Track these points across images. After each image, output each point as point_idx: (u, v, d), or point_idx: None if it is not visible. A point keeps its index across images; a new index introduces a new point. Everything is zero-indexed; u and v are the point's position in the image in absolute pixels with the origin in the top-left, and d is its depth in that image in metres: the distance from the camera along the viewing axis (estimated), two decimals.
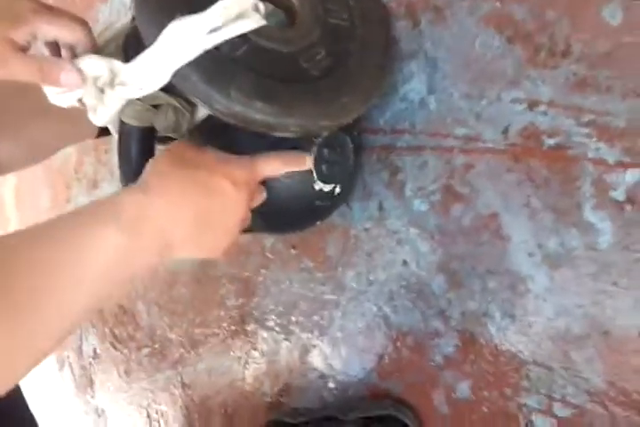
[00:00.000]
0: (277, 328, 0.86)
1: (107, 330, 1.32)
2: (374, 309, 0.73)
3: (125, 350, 1.27)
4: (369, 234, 0.73)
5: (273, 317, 0.87)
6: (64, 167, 1.39)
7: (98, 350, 1.36)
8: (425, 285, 0.67)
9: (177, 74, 0.52)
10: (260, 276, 0.89)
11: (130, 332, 1.24)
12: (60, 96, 0.54)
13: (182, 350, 1.07)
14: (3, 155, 0.75)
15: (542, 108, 0.56)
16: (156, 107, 0.56)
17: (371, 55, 0.62)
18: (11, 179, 1.67)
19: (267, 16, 0.59)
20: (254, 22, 0.53)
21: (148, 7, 0.56)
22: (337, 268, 0.77)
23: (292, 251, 0.83)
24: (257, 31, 0.54)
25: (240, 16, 0.53)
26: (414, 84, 0.66)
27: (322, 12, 0.61)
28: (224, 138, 0.60)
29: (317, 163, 0.63)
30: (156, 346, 1.15)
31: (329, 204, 0.68)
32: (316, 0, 0.61)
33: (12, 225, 1.72)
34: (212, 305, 0.99)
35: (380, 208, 0.71)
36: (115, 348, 1.30)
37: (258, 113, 0.55)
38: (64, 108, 0.55)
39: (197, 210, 0.48)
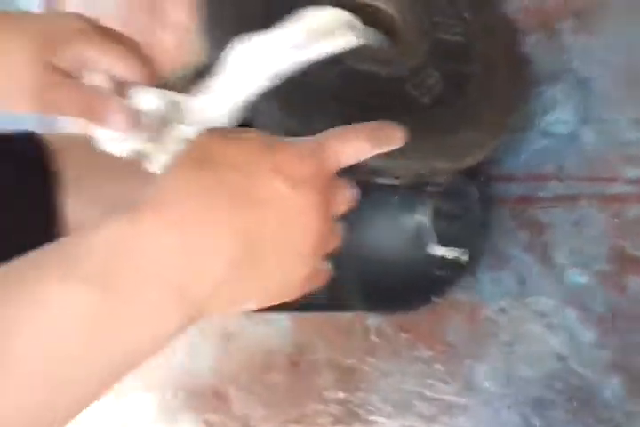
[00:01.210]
0: None
1: (199, 415, 1.20)
2: (517, 419, 0.54)
3: None
4: (507, 316, 0.54)
5: (382, 419, 0.69)
6: None
7: None
8: (592, 390, 0.48)
9: (251, 105, 0.39)
10: (364, 364, 0.72)
11: (223, 419, 1.11)
12: (111, 142, 0.43)
13: None
14: (77, 215, 0.67)
15: None
16: None
17: (496, 78, 0.48)
18: None
19: (364, 34, 0.46)
20: (347, 42, 0.40)
21: (218, 23, 0.46)
22: (463, 360, 0.59)
23: (403, 335, 0.66)
24: (351, 52, 0.40)
25: (329, 34, 0.40)
26: (560, 114, 0.49)
27: (429, 26, 0.48)
28: None
29: (433, 219, 0.48)
30: None
31: (449, 274, 0.52)
32: (422, 12, 0.48)
33: None
34: (310, 397, 0.83)
35: (521, 281, 0.53)
36: None
37: None
38: None
39: (237, 236, 0.28)
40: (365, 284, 0.50)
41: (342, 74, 0.44)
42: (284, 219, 0.29)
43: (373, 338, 0.70)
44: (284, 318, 0.88)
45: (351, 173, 0.42)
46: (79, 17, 0.41)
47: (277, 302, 0.32)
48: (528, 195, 0.52)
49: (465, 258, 0.50)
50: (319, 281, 0.34)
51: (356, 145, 0.32)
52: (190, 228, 0.26)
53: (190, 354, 1.22)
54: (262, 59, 0.38)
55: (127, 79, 0.41)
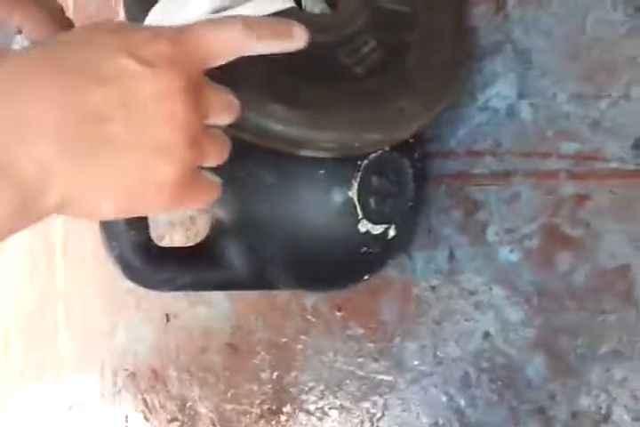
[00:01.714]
0: (318, 413, 0.67)
1: (139, 395, 1.17)
2: (443, 398, 0.53)
3: (156, 422, 1.11)
4: (437, 294, 0.53)
5: (313, 397, 0.68)
6: None
7: (129, 419, 1.22)
8: (517, 369, 0.47)
9: None
10: (299, 343, 0.70)
11: (161, 400, 1.09)
12: None
13: None
14: None
15: None
16: None
17: (436, 47, 0.46)
18: (60, 228, 1.61)
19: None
20: (276, 3, 0.37)
21: None
22: (394, 338, 0.58)
23: (338, 313, 0.65)
24: (281, 15, 0.37)
25: None
26: (499, 88, 0.48)
27: None
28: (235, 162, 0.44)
29: (363, 194, 0.46)
30: (186, 420, 0.99)
31: (380, 251, 0.50)
32: None
33: (60, 273, 1.65)
34: (245, 377, 0.81)
35: (452, 259, 0.52)
36: (146, 419, 1.15)
37: (278, 122, 0.39)
38: None
39: (67, 113, 0.24)
40: (294, 260, 0.48)
41: None
42: (132, 99, 0.25)
43: (309, 317, 0.69)
44: (223, 299, 0.86)
45: (273, 142, 0.40)
46: None
47: (142, 208, 0.29)
48: (464, 171, 0.51)
49: (393, 233, 0.48)
50: (204, 194, 0.30)
51: (232, 33, 0.29)
52: (17, 98, 0.24)
53: (130, 335, 1.19)
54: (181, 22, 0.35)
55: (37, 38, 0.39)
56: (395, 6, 0.47)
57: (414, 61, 0.45)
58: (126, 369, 1.22)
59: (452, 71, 0.46)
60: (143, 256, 0.46)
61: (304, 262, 0.49)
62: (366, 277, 0.53)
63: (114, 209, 0.27)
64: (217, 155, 0.31)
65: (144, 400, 1.16)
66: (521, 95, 0.46)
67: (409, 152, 0.49)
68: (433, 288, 0.54)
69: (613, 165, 0.41)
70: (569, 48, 0.43)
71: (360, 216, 0.46)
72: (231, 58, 0.30)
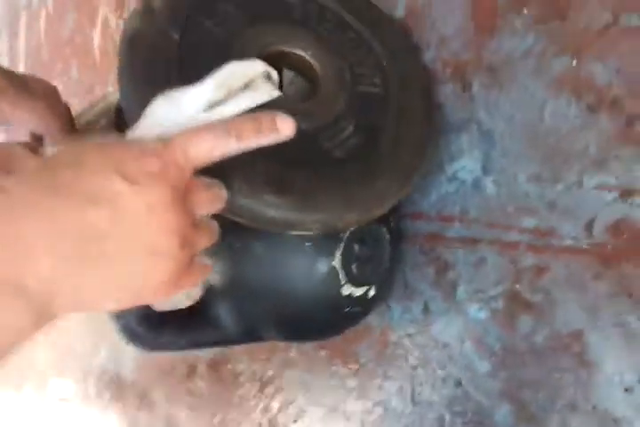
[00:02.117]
0: None
1: (126, 412, 1.20)
2: None
3: None
4: (413, 342, 0.58)
5: None
6: None
7: None
8: (486, 415, 0.52)
9: None
10: (282, 376, 0.75)
11: (147, 418, 1.12)
12: None
13: None
14: None
15: None
16: None
17: (408, 128, 0.50)
18: None
19: (281, 86, 0.47)
20: (266, 94, 0.41)
21: (131, 76, 0.45)
22: (373, 378, 0.63)
23: (321, 352, 0.69)
24: (267, 105, 0.41)
25: (247, 87, 0.41)
26: (465, 162, 0.53)
27: (349, 77, 0.50)
28: (228, 234, 0.48)
29: (345, 262, 0.50)
30: None
31: (362, 309, 0.55)
32: (343, 63, 0.50)
33: None
34: (231, 405, 0.85)
35: (426, 311, 0.57)
36: None
37: (269, 207, 0.43)
38: None
39: (63, 232, 0.28)
40: (282, 320, 0.53)
41: None
42: (124, 216, 0.29)
43: (293, 354, 0.73)
44: None
45: (265, 225, 0.44)
46: None
47: (146, 301, 0.33)
48: (436, 233, 0.55)
49: (373, 293, 0.53)
50: (198, 277, 0.35)
51: (210, 139, 0.33)
52: (18, 218, 0.26)
53: (113, 355, 1.21)
54: (179, 114, 0.38)
55: (42, 132, 0.41)
56: (369, 89, 0.51)
57: (389, 143, 0.49)
58: (111, 388, 1.25)
59: (423, 148, 0.51)
60: (146, 324, 0.50)
61: (291, 322, 0.53)
62: (347, 329, 0.58)
63: (118, 306, 0.32)
64: (207, 241, 0.36)
65: (132, 417, 1.19)
66: (485, 171, 0.51)
67: (386, 220, 0.53)
68: (409, 336, 0.59)
69: (567, 242, 0.46)
70: (529, 133, 0.48)
71: (343, 282, 0.51)
72: (216, 160, 0.34)
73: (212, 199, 0.36)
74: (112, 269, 0.29)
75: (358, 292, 0.52)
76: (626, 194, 0.43)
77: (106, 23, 1.29)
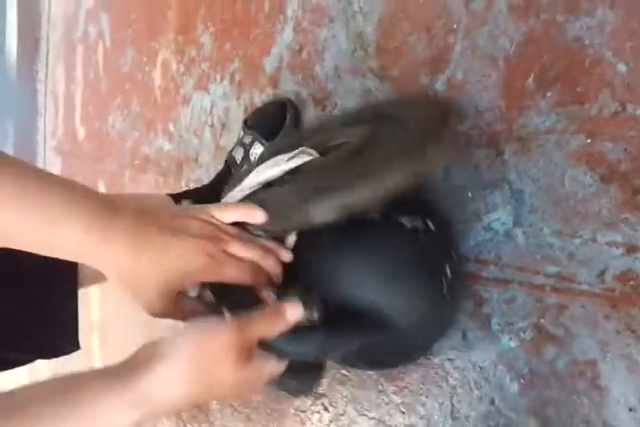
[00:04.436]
0: None
1: (181, 424, 1.31)
2: None
3: None
4: (452, 365, 0.69)
5: None
6: None
7: None
8: None
9: None
10: (336, 391, 0.85)
11: None
12: None
13: None
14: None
15: None
16: None
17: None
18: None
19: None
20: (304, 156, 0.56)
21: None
22: (418, 396, 0.73)
23: (370, 371, 0.80)
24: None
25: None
26: (499, 215, 0.63)
27: None
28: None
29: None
30: None
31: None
32: None
33: (94, 304, 1.77)
34: (286, 415, 0.96)
35: (464, 338, 0.67)
36: None
37: None
38: None
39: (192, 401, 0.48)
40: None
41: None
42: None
43: (345, 372, 0.84)
44: None
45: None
46: (213, 245, 0.50)
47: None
48: (473, 273, 0.66)
49: None
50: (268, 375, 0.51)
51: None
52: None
53: None
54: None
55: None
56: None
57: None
58: None
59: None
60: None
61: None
62: None
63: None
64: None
65: None
66: (516, 223, 0.62)
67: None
68: (450, 360, 0.69)
69: (584, 287, 0.56)
70: (552, 195, 0.58)
71: None
72: None
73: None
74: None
75: None
76: (631, 250, 0.53)
77: (166, 65, 1.41)
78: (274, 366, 0.50)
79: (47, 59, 2.27)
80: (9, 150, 2.39)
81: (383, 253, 0.55)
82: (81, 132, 1.91)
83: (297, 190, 0.52)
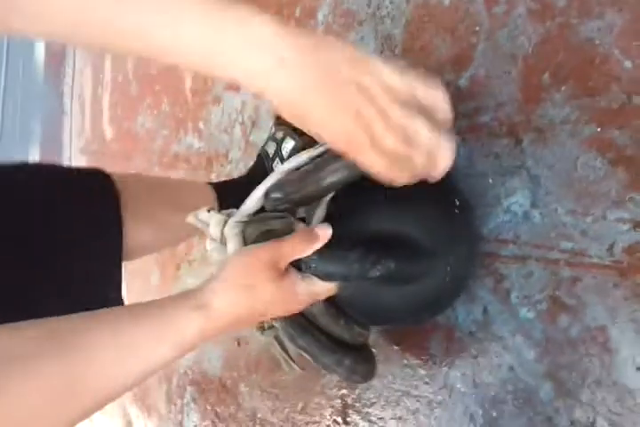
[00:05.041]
0: (380, 423, 0.88)
1: (208, 407, 1.37)
2: (480, 411, 0.74)
3: None
4: (474, 337, 0.75)
5: (375, 411, 0.89)
6: (175, 249, 1.50)
7: None
8: (532, 392, 0.68)
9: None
10: None
11: (232, 411, 1.29)
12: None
13: None
14: (145, 239, 0.86)
15: None
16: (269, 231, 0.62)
17: None
18: None
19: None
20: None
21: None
22: (441, 367, 0.79)
23: (395, 347, 0.86)
24: None
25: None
26: (517, 198, 0.70)
27: None
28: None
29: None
30: None
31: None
32: None
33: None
34: (314, 393, 1.02)
35: (485, 312, 0.74)
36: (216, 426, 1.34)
37: None
38: (193, 204, 0.71)
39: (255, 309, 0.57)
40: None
41: None
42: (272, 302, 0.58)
43: (371, 349, 0.90)
44: None
45: None
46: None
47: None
48: (494, 252, 0.73)
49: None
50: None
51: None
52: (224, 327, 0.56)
53: (200, 355, 1.38)
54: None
55: None
56: None
57: None
58: (195, 385, 1.42)
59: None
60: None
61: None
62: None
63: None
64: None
65: (214, 411, 1.35)
66: (533, 205, 0.68)
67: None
68: (471, 332, 0.76)
69: (595, 260, 0.62)
70: (566, 179, 0.65)
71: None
72: None
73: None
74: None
75: None
76: (637, 225, 0.59)
77: None
78: (319, 286, 0.60)
79: (74, 62, 2.36)
80: (36, 150, 2.48)
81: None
82: (109, 132, 1.99)
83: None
